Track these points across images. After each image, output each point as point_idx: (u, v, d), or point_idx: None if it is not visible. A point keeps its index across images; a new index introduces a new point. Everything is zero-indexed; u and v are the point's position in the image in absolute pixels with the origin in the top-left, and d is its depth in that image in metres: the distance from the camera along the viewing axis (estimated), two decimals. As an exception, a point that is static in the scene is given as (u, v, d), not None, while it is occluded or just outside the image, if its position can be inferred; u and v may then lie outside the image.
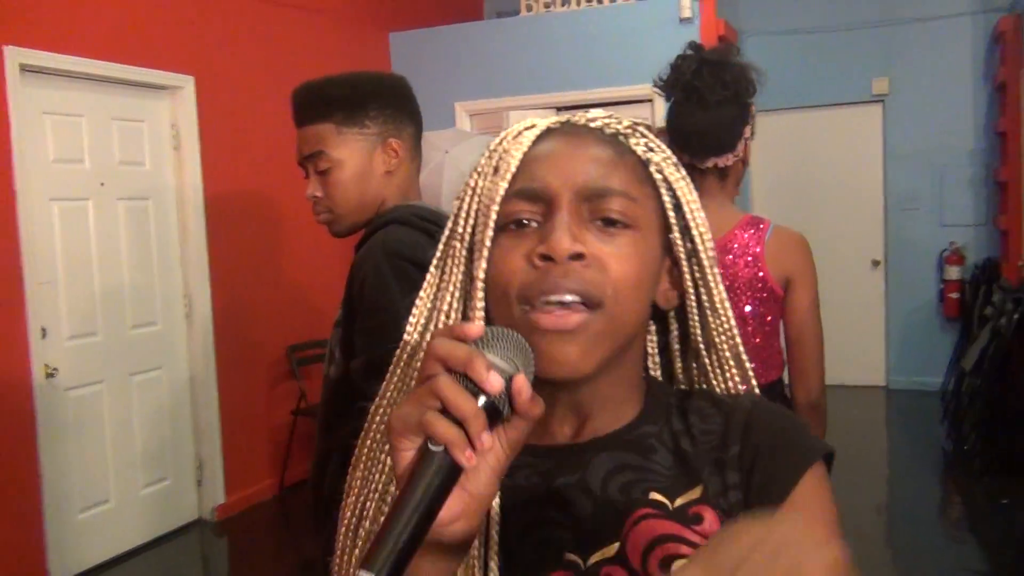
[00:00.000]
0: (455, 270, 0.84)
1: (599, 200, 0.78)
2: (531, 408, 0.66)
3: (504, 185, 0.80)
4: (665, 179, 0.84)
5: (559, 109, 6.09)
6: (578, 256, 0.76)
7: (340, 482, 1.58)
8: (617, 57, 5.88)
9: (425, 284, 0.87)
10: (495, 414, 0.65)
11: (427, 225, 1.63)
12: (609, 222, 0.79)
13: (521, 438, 0.68)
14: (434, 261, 0.87)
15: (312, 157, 1.71)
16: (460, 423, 0.63)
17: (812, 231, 8.36)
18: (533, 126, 0.84)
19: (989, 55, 6.60)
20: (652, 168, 0.84)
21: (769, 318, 2.04)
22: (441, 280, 0.86)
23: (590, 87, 5.95)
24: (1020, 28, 5.91)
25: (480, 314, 0.81)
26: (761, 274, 2.00)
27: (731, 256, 2.02)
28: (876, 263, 7.13)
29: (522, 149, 0.81)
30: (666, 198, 0.84)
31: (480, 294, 0.80)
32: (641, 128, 0.87)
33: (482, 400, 0.64)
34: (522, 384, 0.66)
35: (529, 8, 6.30)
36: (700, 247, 0.85)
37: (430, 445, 0.64)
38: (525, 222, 0.79)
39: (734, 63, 1.95)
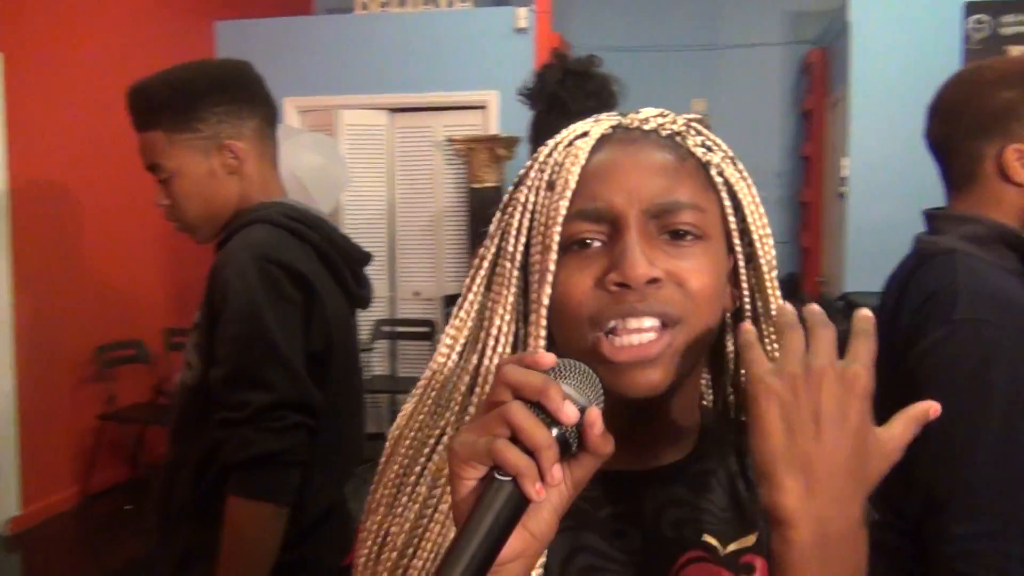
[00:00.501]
0: (506, 292, 0.78)
1: (668, 215, 0.74)
2: (603, 444, 0.62)
3: (565, 203, 0.74)
4: (726, 181, 0.79)
5: (392, 111, 6.03)
6: (654, 280, 0.71)
7: (189, 495, 1.49)
8: (452, 62, 5.89)
9: (465, 304, 0.81)
10: (564, 448, 0.61)
11: (295, 225, 1.54)
12: (679, 234, 0.74)
13: (587, 477, 0.64)
14: (476, 280, 0.81)
15: (151, 168, 1.57)
16: (531, 454, 0.59)
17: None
18: (586, 134, 0.78)
19: (797, 84, 7.05)
20: (713, 171, 0.78)
21: None
22: (490, 302, 0.80)
23: (424, 90, 5.92)
24: (826, 60, 6.35)
25: (543, 340, 0.76)
26: None
27: None
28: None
29: (579, 163, 0.76)
30: (727, 201, 0.79)
31: (543, 320, 0.75)
32: (695, 125, 0.81)
33: (554, 432, 0.60)
34: (596, 417, 0.62)
35: (364, 7, 6.20)
36: (760, 251, 0.80)
37: (497, 475, 0.60)
38: (588, 242, 0.74)
39: (597, 74, 1.97)
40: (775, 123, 7.14)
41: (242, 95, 1.60)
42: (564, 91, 1.94)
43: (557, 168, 0.77)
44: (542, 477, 0.59)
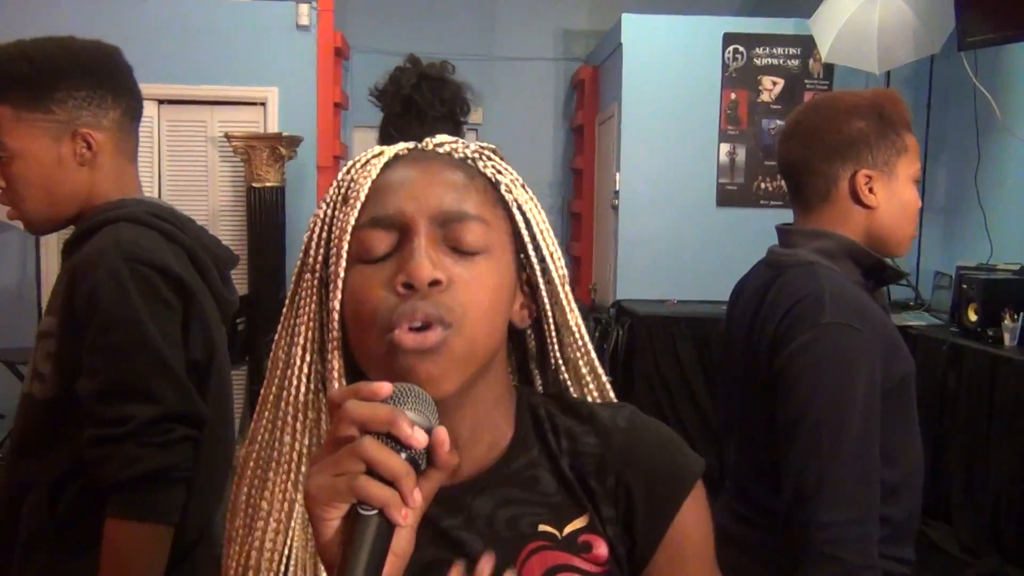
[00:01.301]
0: (309, 304, 0.82)
1: (454, 224, 0.79)
2: (451, 459, 0.67)
3: (355, 214, 0.79)
4: (515, 200, 0.86)
5: (161, 102, 5.68)
6: (436, 282, 0.76)
7: (44, 519, 1.33)
8: (229, 55, 5.64)
9: (280, 326, 0.84)
10: (416, 469, 0.65)
11: (163, 225, 1.43)
12: (460, 251, 0.79)
13: (435, 490, 0.68)
14: (289, 297, 0.84)
15: None
16: (390, 483, 0.63)
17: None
18: (381, 153, 0.84)
19: (568, 99, 7.35)
20: (503, 189, 0.85)
21: None
22: (296, 316, 0.83)
23: (196, 82, 5.62)
24: (597, 78, 6.67)
25: (338, 349, 0.80)
26: None
27: None
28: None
29: (371, 177, 0.81)
30: (518, 219, 0.85)
31: (336, 327, 0.79)
32: (487, 151, 0.88)
33: (403, 455, 0.64)
34: (444, 436, 0.66)
35: (132, -11, 5.79)
36: (551, 266, 0.87)
37: (361, 511, 0.63)
38: (380, 250, 0.78)
39: (451, 81, 1.98)
40: (548, 135, 7.40)
41: (107, 82, 1.47)
42: (419, 95, 1.94)
43: (352, 183, 0.83)
44: (405, 502, 0.64)
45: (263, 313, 5.48)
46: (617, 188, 5.81)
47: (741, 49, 5.74)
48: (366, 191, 0.80)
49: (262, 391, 0.84)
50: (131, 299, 1.32)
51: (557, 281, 0.87)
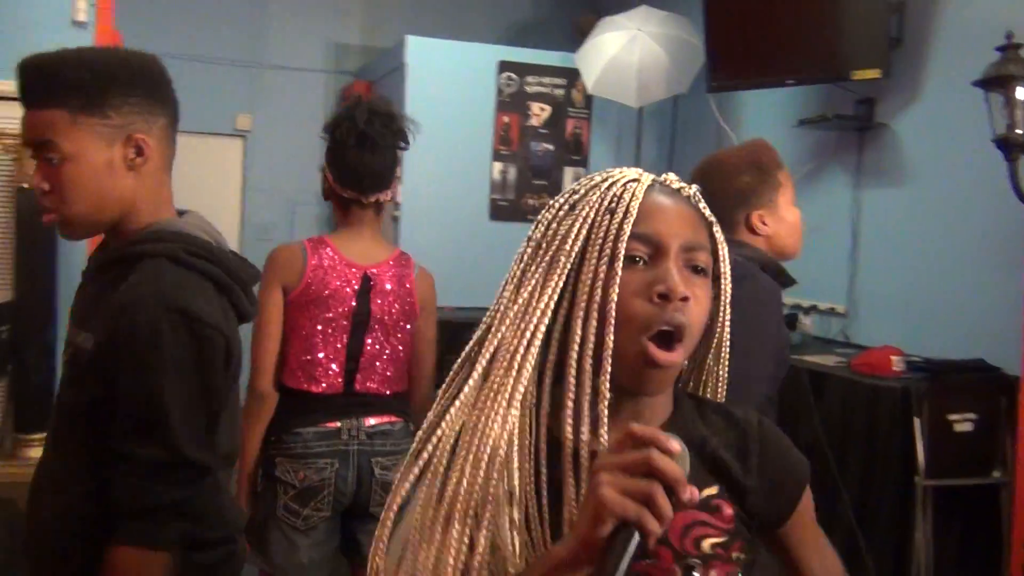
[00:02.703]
0: (557, 281, 0.99)
1: (692, 252, 1.02)
2: (688, 503, 0.85)
3: (629, 225, 0.99)
4: (717, 233, 1.10)
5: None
6: (686, 298, 0.98)
7: (88, 508, 1.42)
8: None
9: (509, 285, 1.02)
10: None
11: (199, 262, 1.54)
12: (696, 269, 1.02)
13: None
14: (521, 268, 1.03)
15: (40, 146, 1.47)
16: (648, 507, 0.81)
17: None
18: (637, 180, 1.05)
19: (339, 111, 7.51)
20: (715, 228, 1.10)
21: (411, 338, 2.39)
22: (541, 283, 0.99)
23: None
24: (372, 93, 6.90)
25: (611, 336, 0.97)
26: (411, 301, 2.31)
27: (390, 286, 2.28)
28: (231, 287, 7.52)
29: (638, 199, 1.01)
30: (720, 249, 1.10)
31: (612, 318, 0.97)
32: (699, 194, 1.11)
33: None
34: (695, 495, 0.85)
35: None
36: (724, 291, 1.11)
37: (624, 527, 0.80)
38: (637, 259, 1.00)
39: (397, 114, 2.23)
40: (317, 144, 7.44)
41: (156, 91, 1.57)
42: (372, 130, 2.19)
43: (617, 199, 1.01)
44: (656, 533, 0.81)
45: (30, 319, 5.20)
46: (399, 200, 6.09)
47: (514, 76, 6.25)
48: (636, 208, 1.00)
49: (478, 373, 0.99)
50: (164, 352, 1.42)
51: (724, 302, 1.11)
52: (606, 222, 1.00)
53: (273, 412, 2.43)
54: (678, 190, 1.09)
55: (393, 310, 2.40)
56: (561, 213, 1.05)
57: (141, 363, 1.42)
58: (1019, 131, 3.05)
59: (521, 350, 0.97)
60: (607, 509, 0.80)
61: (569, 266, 1.00)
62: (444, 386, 1.05)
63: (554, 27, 7.29)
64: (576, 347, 0.97)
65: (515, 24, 7.53)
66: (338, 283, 2.36)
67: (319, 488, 2.33)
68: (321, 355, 2.36)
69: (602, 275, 0.98)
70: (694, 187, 1.12)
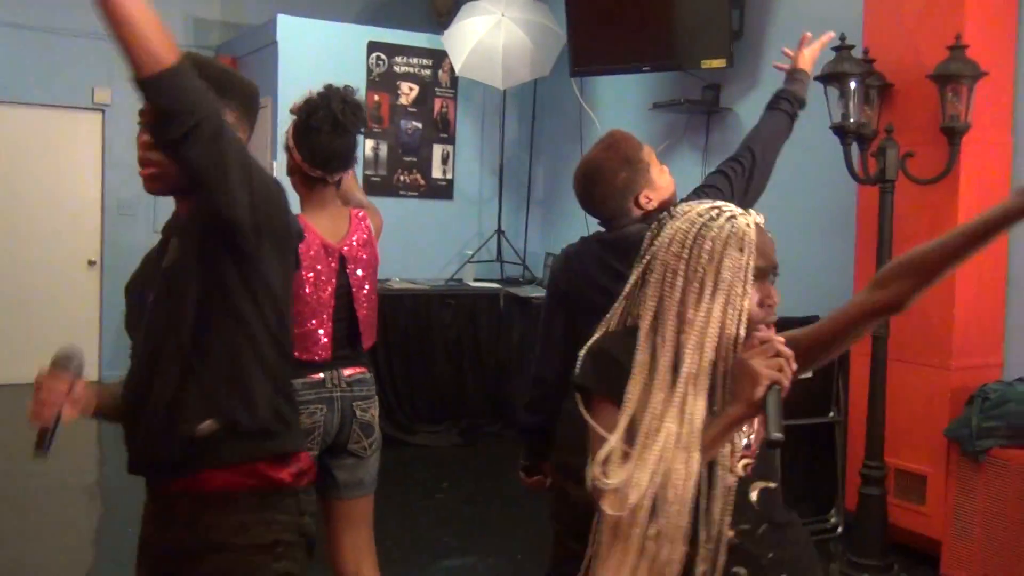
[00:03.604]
0: (718, 298, 1.45)
1: (773, 272, 1.51)
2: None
3: (753, 263, 1.45)
4: None
5: None
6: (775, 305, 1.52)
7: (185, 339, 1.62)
8: None
9: (705, 306, 1.46)
10: None
11: None
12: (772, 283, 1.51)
13: None
14: (707, 291, 1.45)
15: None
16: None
17: (27, 229, 8.46)
18: (754, 221, 1.49)
19: (202, 86, 7.49)
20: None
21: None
22: (711, 305, 1.45)
23: None
24: (238, 69, 6.96)
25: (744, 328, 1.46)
26: (372, 241, 2.62)
27: (365, 256, 2.57)
28: (92, 263, 7.40)
29: (755, 238, 1.47)
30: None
31: (745, 319, 1.45)
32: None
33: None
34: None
35: None
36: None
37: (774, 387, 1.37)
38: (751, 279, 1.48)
39: (363, 103, 2.52)
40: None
41: (251, 112, 1.79)
42: (343, 115, 2.45)
43: (745, 237, 1.45)
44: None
45: None
46: (275, 175, 6.22)
47: (383, 56, 6.47)
48: (755, 246, 1.45)
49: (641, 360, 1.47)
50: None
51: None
52: (736, 255, 1.45)
53: None
54: (759, 223, 1.52)
55: (369, 270, 2.65)
56: (697, 235, 1.47)
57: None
58: (852, 120, 3.58)
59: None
60: (763, 376, 1.35)
61: (713, 284, 1.46)
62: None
63: (414, 8, 7.50)
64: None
65: (377, 3, 7.71)
66: (319, 267, 2.56)
67: (311, 430, 2.56)
68: (312, 325, 2.57)
69: (744, 296, 1.46)
70: (760, 219, 1.54)
